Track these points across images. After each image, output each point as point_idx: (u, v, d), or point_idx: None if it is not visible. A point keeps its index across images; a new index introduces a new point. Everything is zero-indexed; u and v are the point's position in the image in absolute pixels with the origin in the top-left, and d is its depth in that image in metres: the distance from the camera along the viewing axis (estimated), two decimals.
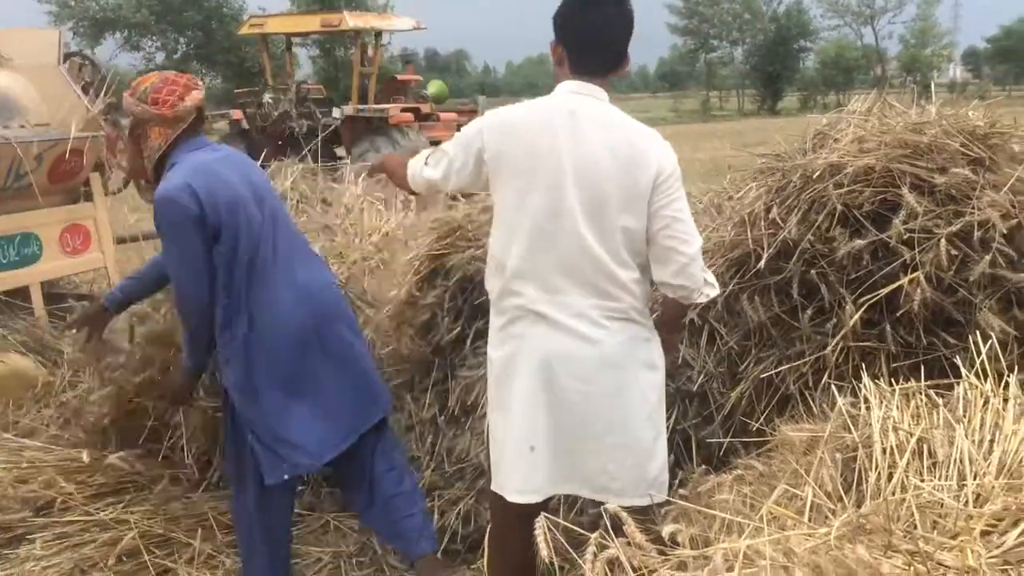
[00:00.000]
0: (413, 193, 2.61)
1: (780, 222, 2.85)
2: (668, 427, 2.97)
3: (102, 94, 5.34)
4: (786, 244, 2.84)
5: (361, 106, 9.29)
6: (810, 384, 2.80)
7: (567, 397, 2.28)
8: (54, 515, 3.14)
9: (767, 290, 2.95)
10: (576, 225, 2.22)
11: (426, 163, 2.47)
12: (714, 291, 2.37)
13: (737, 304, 3.01)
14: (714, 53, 56.45)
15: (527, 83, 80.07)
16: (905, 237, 2.66)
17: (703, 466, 2.63)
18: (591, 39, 2.28)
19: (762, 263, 2.84)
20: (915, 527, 1.81)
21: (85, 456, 3.31)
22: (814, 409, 2.65)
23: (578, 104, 2.27)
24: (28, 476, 3.22)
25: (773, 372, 2.87)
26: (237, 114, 9.38)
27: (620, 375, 2.28)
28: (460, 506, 3.37)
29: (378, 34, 10.01)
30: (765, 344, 2.97)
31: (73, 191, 5.23)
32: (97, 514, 3.15)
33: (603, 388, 2.27)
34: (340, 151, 9.75)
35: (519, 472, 2.34)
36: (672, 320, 2.51)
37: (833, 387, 2.53)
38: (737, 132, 28.30)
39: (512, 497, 2.35)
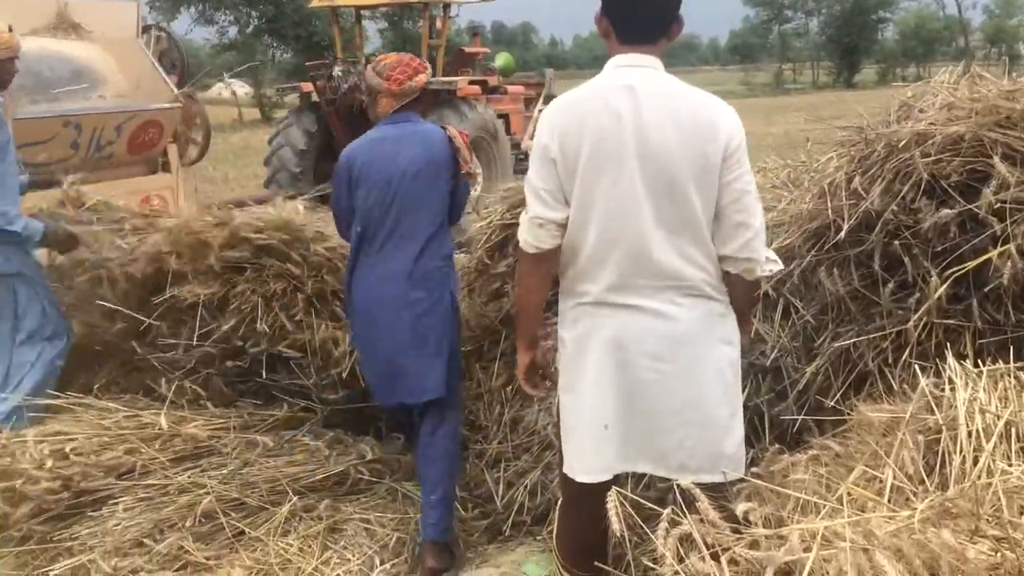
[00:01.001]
0: (543, 260, 2.31)
1: (862, 192, 2.75)
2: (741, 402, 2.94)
3: (180, 67, 5.46)
4: (868, 215, 2.75)
5: (430, 79, 9.30)
6: (890, 361, 2.71)
7: (641, 376, 2.24)
8: (135, 479, 3.22)
9: (846, 262, 2.87)
10: (648, 204, 2.17)
11: (527, 213, 2.30)
12: (777, 266, 2.32)
13: (814, 277, 2.93)
14: (788, 24, 54.97)
15: (594, 56, 79.18)
16: (996, 208, 2.55)
17: (776, 445, 2.57)
18: (634, 4, 2.20)
19: (842, 234, 2.76)
20: (1002, 512, 1.74)
21: (163, 422, 3.40)
22: (894, 388, 2.57)
23: (634, 78, 2.19)
24: (111, 443, 3.31)
25: (851, 347, 2.79)
26: (307, 87, 9.45)
27: (696, 352, 2.24)
28: (527, 478, 3.38)
29: (446, 6, 9.96)
30: (843, 319, 2.89)
31: (151, 162, 5.36)
32: (175, 478, 3.23)
33: (678, 366, 2.23)
34: None
35: (590, 452, 2.31)
36: (744, 297, 2.42)
37: (916, 366, 2.45)
38: (812, 105, 27.57)
39: (581, 478, 2.32)
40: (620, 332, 2.24)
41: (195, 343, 3.61)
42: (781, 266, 2.37)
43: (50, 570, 3.01)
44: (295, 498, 3.26)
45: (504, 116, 10.17)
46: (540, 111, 9.47)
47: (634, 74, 2.19)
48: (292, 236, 3.69)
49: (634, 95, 2.15)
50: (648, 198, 2.16)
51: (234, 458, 3.39)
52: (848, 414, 2.54)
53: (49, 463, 3.17)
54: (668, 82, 2.21)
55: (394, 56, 3.28)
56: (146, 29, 5.51)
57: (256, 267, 3.65)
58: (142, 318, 3.67)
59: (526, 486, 3.36)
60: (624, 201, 2.17)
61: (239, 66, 32.53)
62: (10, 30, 3.59)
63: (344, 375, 3.64)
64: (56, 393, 3.62)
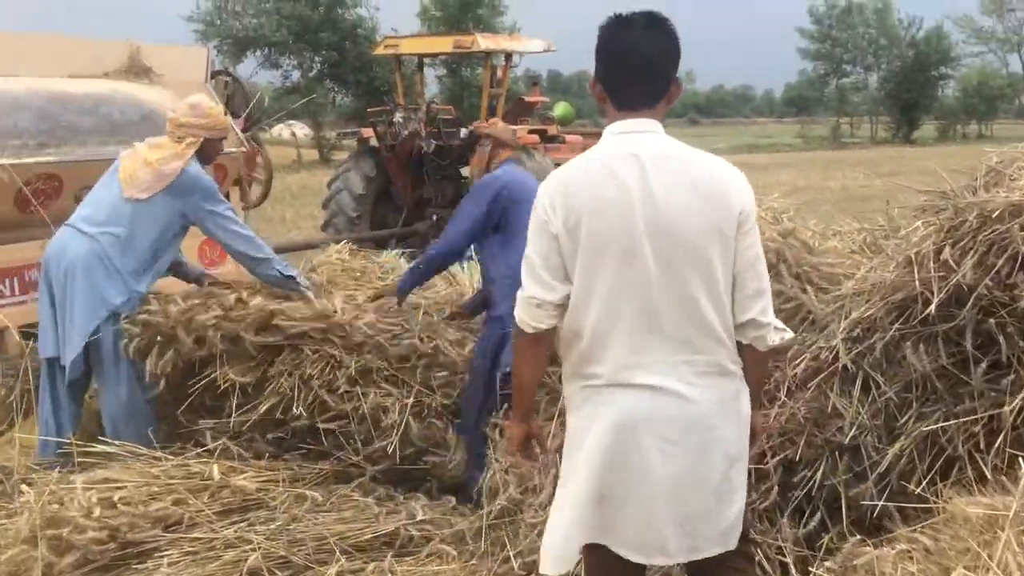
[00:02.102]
0: (540, 340, 2.21)
1: (953, 264, 2.60)
2: (815, 482, 2.77)
3: (246, 112, 5.51)
4: (959, 289, 2.59)
5: None
6: (981, 447, 2.52)
7: (648, 457, 2.10)
8: (181, 531, 3.16)
9: (934, 338, 2.70)
10: (659, 278, 2.05)
11: (522, 292, 2.18)
12: (788, 334, 2.21)
13: (898, 352, 2.76)
14: (846, 78, 54.57)
15: None
16: None
17: (856, 536, 2.40)
18: (622, 68, 2.10)
19: (931, 308, 2.59)
20: None
21: (215, 472, 3.35)
22: (987, 476, 2.39)
23: (637, 145, 2.08)
24: (160, 493, 3.26)
25: (938, 430, 2.61)
26: (367, 132, 9.53)
27: (707, 436, 2.11)
28: None
29: (508, 55, 10.02)
30: (929, 398, 2.71)
31: None
32: (222, 532, 3.16)
33: (688, 448, 2.10)
34: (466, 171, 9.81)
35: (575, 529, 2.18)
36: (758, 370, 2.28)
37: (1012, 454, 2.28)
38: (870, 160, 27.24)
39: (552, 569, 2.21)
40: (628, 413, 2.10)
41: (236, 417, 3.67)
42: (792, 334, 2.26)
43: None
44: (342, 558, 3.16)
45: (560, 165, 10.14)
46: None
47: (637, 140, 2.09)
48: (328, 325, 3.75)
49: (640, 163, 2.05)
50: (659, 271, 2.05)
51: (282, 512, 3.33)
52: (934, 502, 2.37)
53: (97, 512, 3.12)
54: (673, 146, 2.11)
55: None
56: (215, 74, 5.60)
57: (293, 348, 3.71)
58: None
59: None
60: (632, 275, 2.06)
61: (301, 110, 33.32)
62: (225, 113, 3.91)
63: (391, 448, 3.64)
64: (107, 440, 3.59)
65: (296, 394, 3.64)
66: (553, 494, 3.37)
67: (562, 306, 2.12)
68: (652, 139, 2.09)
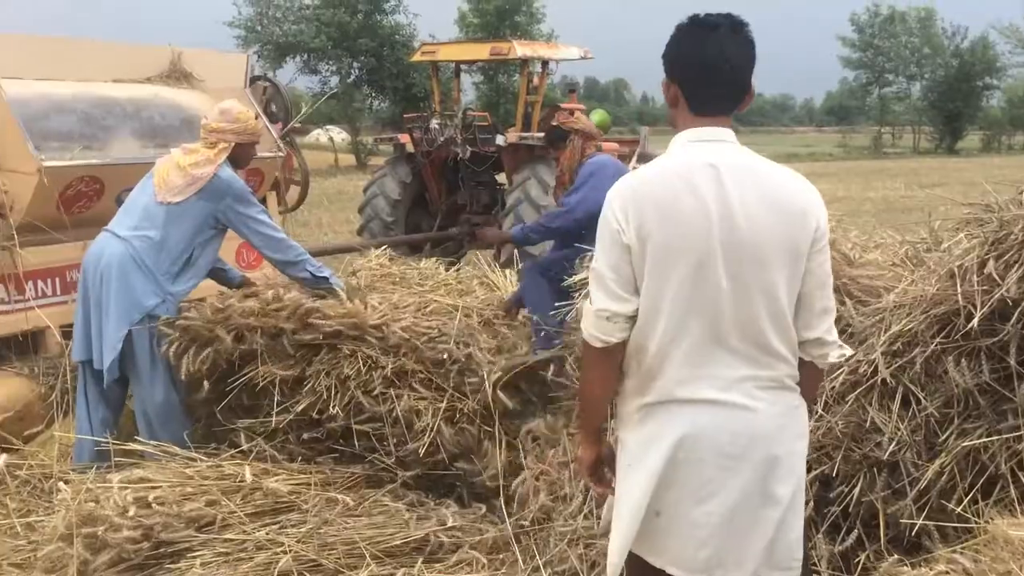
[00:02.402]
0: (611, 354, 2.12)
1: (997, 278, 2.54)
2: (852, 498, 2.73)
3: (284, 117, 5.56)
4: (1003, 303, 2.54)
5: (524, 134, 9.31)
6: None
7: (710, 474, 2.04)
8: (214, 532, 3.17)
9: (976, 353, 2.64)
10: (729, 292, 1.99)
11: (591, 304, 2.10)
12: (847, 352, 2.16)
13: (939, 366, 2.71)
14: (889, 88, 53.90)
15: None
16: None
17: (894, 555, 2.35)
18: (708, 72, 2.02)
19: (974, 322, 2.54)
20: None
21: (248, 474, 3.37)
22: None
23: (714, 154, 2.01)
24: (193, 494, 3.28)
25: (980, 447, 2.55)
26: (404, 138, 9.58)
27: (772, 451, 2.05)
28: None
29: (545, 63, 10.01)
30: (971, 414, 2.65)
31: None
32: (254, 533, 3.17)
33: (752, 464, 2.04)
34: (501, 178, 9.81)
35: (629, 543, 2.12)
36: (814, 387, 2.24)
37: None
38: (912, 171, 26.84)
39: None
40: (692, 428, 2.04)
41: (274, 415, 3.70)
42: (851, 352, 2.22)
43: None
44: (372, 563, 3.16)
45: None
46: (634, 168, 9.35)
47: (714, 150, 2.02)
48: (359, 325, 3.77)
49: (718, 175, 1.99)
50: (729, 286, 1.98)
51: (313, 516, 3.33)
52: (975, 522, 2.31)
53: (132, 511, 3.15)
54: (749, 158, 2.05)
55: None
56: (254, 79, 5.66)
57: (331, 347, 3.72)
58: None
59: None
60: (703, 289, 1.99)
61: (338, 115, 33.61)
62: (256, 117, 3.98)
63: (422, 451, 3.64)
64: (143, 440, 3.63)
65: (332, 394, 3.66)
66: (584, 503, 3.38)
67: (633, 319, 2.05)
68: (729, 149, 2.04)
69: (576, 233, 4.05)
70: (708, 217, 1.97)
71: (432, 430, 3.65)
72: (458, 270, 5.34)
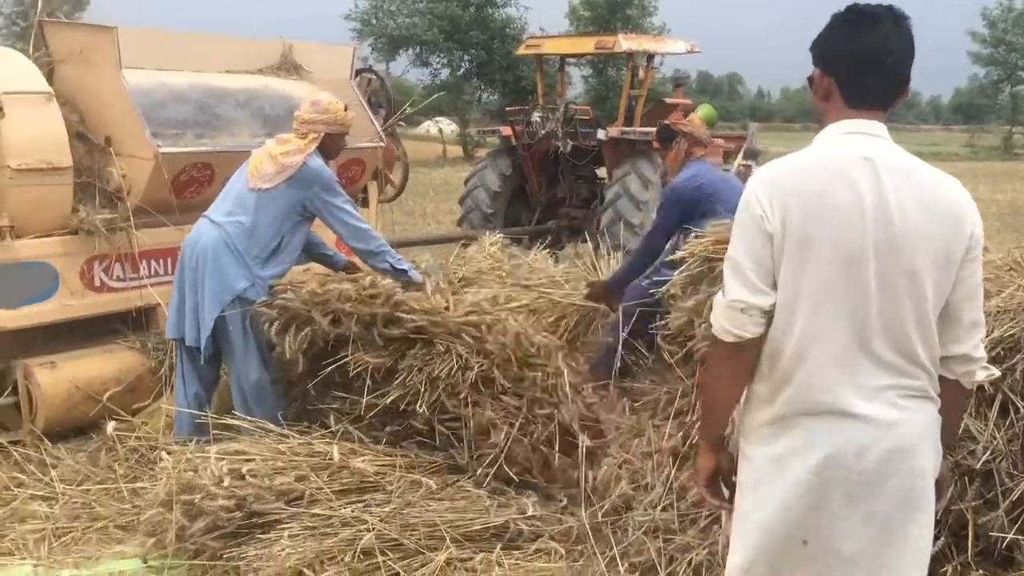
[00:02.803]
0: (742, 352, 2.00)
1: None
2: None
3: (387, 108, 5.69)
4: None
5: (626, 128, 9.25)
6: None
7: (856, 492, 1.93)
8: (302, 506, 3.29)
9: None
10: (877, 296, 1.87)
11: (723, 295, 2.00)
12: (994, 373, 2.03)
13: None
14: (1022, 85, 50.95)
15: (803, 109, 76.81)
16: None
17: (981, 570, 2.25)
18: (870, 65, 1.92)
19: None
20: None
21: (335, 453, 3.49)
22: None
23: (869, 148, 1.91)
24: (284, 469, 3.41)
25: None
26: (507, 130, 9.66)
27: (918, 463, 1.93)
28: (692, 555, 3.17)
29: (650, 56, 9.91)
30: None
31: (351, 197, 5.58)
32: (340, 510, 3.28)
33: (899, 480, 1.91)
34: (601, 172, 9.78)
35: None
36: (959, 409, 2.11)
37: None
38: None
39: None
40: (833, 450, 1.91)
41: (363, 403, 3.78)
42: (997, 373, 2.06)
43: None
44: (452, 546, 3.22)
45: None
46: (740, 166, 9.18)
47: (869, 144, 1.92)
48: (442, 323, 3.80)
49: (875, 169, 1.88)
50: (878, 288, 1.87)
51: (397, 497, 3.41)
52: None
53: (226, 481, 3.30)
54: (905, 157, 1.93)
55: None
56: (359, 71, 5.80)
57: (426, 342, 3.76)
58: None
59: (690, 562, 3.15)
60: (850, 289, 1.88)
61: (448, 107, 34.04)
62: (345, 109, 4.11)
63: (491, 460, 3.66)
64: (240, 415, 3.80)
65: (422, 390, 3.70)
66: (664, 494, 3.36)
67: (769, 314, 1.94)
68: (884, 145, 1.94)
69: (658, 253, 4.36)
70: (863, 212, 1.87)
71: (504, 447, 3.63)
72: (556, 263, 5.36)
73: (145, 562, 3.34)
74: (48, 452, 4.04)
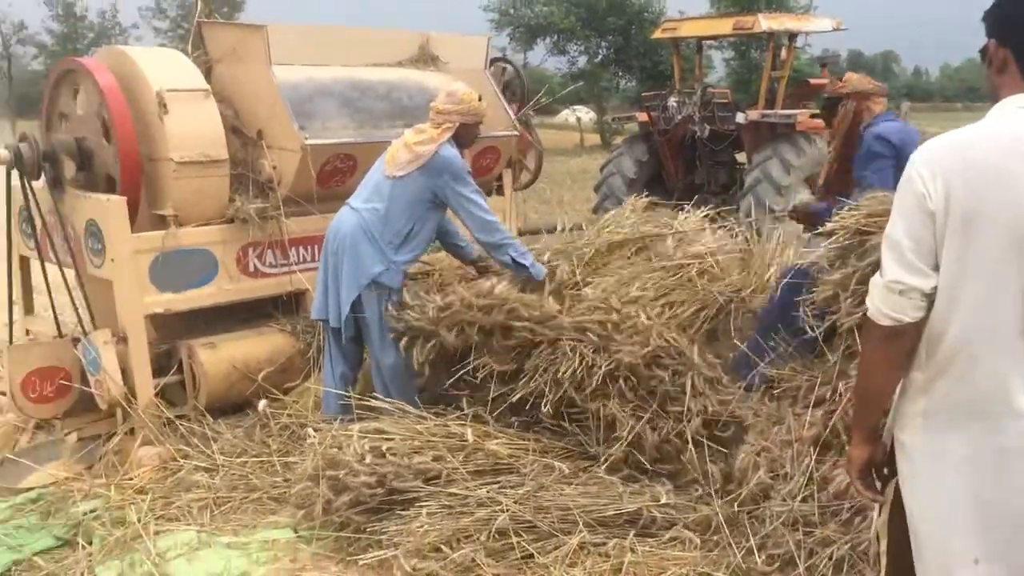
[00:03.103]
0: (899, 337, 1.90)
1: None
2: None
3: (521, 97, 5.74)
4: None
5: (767, 111, 8.97)
6: None
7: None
8: (440, 485, 3.41)
9: None
10: None
11: (881, 276, 1.89)
12: None
13: None
14: None
15: (965, 87, 72.19)
16: None
17: None
18: None
19: None
20: None
21: (469, 435, 3.58)
22: None
23: None
24: (422, 448, 3.53)
25: None
26: (643, 116, 9.56)
27: None
28: (832, 550, 3.07)
29: (792, 36, 9.57)
30: None
31: (486, 185, 5.68)
32: (475, 491, 3.37)
33: None
34: (740, 157, 9.54)
35: None
36: None
37: None
38: None
39: None
40: (997, 444, 1.81)
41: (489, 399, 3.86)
42: None
43: (360, 558, 3.27)
44: (585, 531, 3.25)
45: None
46: None
47: None
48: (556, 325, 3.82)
49: None
50: None
51: (530, 480, 3.47)
52: None
53: (368, 459, 3.44)
54: None
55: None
56: (494, 61, 5.88)
57: (551, 342, 3.80)
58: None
59: (831, 556, 3.05)
60: (1018, 272, 1.76)
61: (586, 95, 33.94)
62: (479, 99, 4.24)
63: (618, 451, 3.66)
64: (379, 396, 3.95)
65: (546, 391, 3.73)
66: (804, 484, 3.26)
67: (929, 297, 1.83)
68: None
69: None
70: None
71: (626, 440, 3.63)
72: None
73: (296, 532, 3.54)
74: (209, 427, 4.31)
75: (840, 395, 3.39)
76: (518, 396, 3.79)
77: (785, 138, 8.52)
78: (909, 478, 1.96)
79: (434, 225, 4.22)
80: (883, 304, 1.87)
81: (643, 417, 3.66)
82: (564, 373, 3.69)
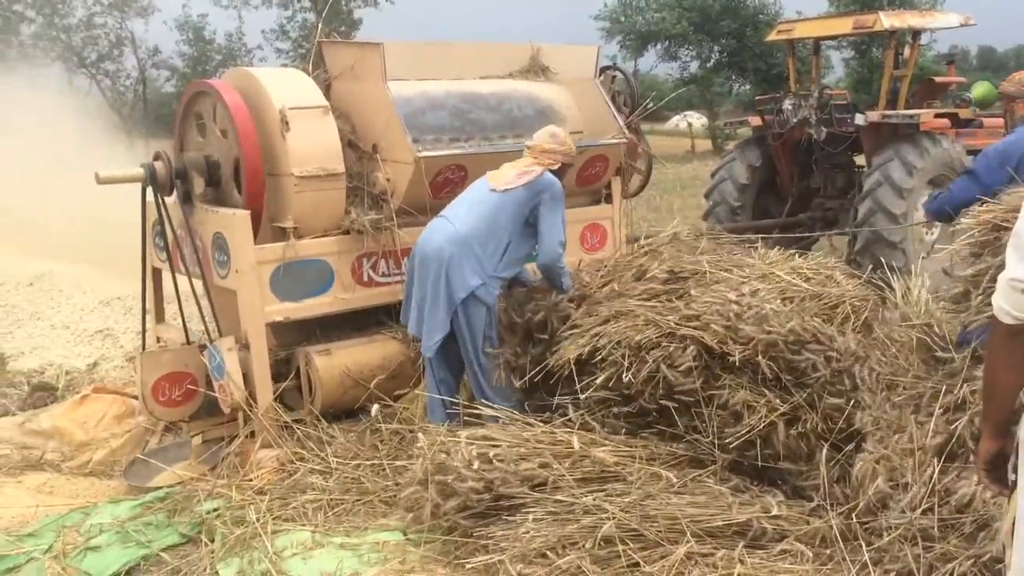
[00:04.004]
0: (1017, 335, 1.89)
1: None
2: None
3: (631, 105, 5.73)
4: None
5: (888, 111, 8.61)
6: None
7: None
8: (546, 492, 3.43)
9: None
10: None
11: (1006, 273, 1.89)
12: None
13: None
14: None
15: None
16: None
17: None
18: None
19: None
20: None
21: (576, 442, 3.59)
22: None
23: None
24: (528, 455, 3.57)
25: None
26: (756, 120, 9.33)
27: None
28: (953, 565, 2.94)
29: (916, 33, 9.17)
30: None
31: (595, 193, 5.70)
32: (581, 498, 3.37)
33: None
34: (859, 160, 9.18)
35: None
36: None
37: None
38: None
39: None
40: None
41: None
42: None
43: (467, 562, 3.32)
44: (692, 540, 3.21)
45: (975, 152, 9.06)
46: None
47: None
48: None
49: None
50: None
51: (637, 488, 3.46)
52: None
53: (476, 464, 3.50)
54: None
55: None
56: (603, 70, 5.88)
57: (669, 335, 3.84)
58: None
59: (952, 572, 2.92)
60: None
61: (698, 100, 33.44)
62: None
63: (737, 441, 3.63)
64: (484, 403, 4.01)
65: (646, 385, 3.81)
66: (925, 496, 3.12)
67: None
68: None
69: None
70: None
71: (757, 429, 3.60)
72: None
73: (405, 535, 3.63)
74: (324, 431, 4.47)
75: (967, 403, 3.25)
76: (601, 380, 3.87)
77: (908, 139, 8.16)
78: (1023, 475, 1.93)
79: (528, 249, 4.38)
80: (1005, 302, 1.85)
81: (779, 408, 3.63)
82: (682, 364, 3.73)
